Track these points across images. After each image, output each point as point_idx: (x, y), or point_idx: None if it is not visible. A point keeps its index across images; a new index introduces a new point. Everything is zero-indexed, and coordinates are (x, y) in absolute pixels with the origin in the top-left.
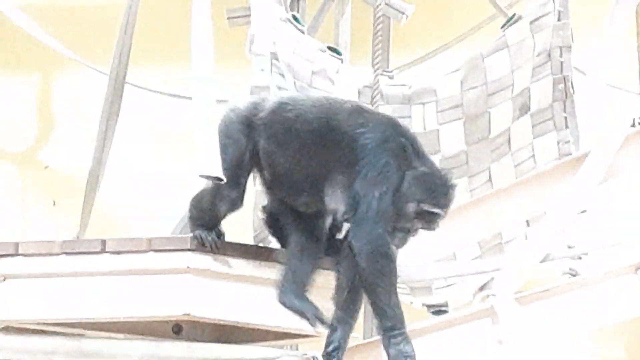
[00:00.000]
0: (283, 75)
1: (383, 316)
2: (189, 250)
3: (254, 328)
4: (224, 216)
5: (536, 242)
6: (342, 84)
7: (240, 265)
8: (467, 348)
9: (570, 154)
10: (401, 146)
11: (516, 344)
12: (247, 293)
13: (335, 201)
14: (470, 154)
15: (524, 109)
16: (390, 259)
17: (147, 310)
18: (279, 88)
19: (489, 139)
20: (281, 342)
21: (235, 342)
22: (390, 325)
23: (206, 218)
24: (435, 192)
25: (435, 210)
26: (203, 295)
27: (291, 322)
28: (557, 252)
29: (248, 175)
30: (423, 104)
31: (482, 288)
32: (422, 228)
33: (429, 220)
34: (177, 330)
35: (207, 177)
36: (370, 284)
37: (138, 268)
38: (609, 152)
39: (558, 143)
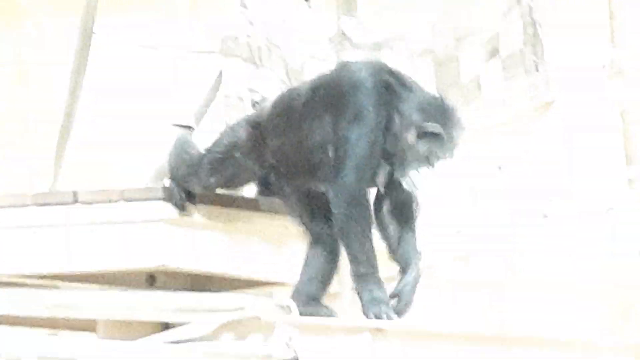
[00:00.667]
0: (252, 24)
1: (356, 262)
2: (161, 200)
3: (228, 277)
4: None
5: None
6: (312, 30)
7: (214, 215)
8: None
9: (540, 99)
10: (383, 84)
11: None
12: (221, 242)
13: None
14: None
15: (494, 53)
16: (363, 206)
17: (122, 261)
18: (249, 37)
19: (460, 84)
20: (255, 290)
21: (211, 291)
22: (364, 272)
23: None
24: (432, 112)
25: (436, 130)
26: (177, 246)
27: (265, 270)
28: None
29: (236, 172)
30: (393, 49)
31: None
32: (438, 157)
33: (437, 145)
34: (151, 280)
35: (179, 126)
36: (343, 230)
37: (111, 219)
38: (576, 95)
39: (528, 87)
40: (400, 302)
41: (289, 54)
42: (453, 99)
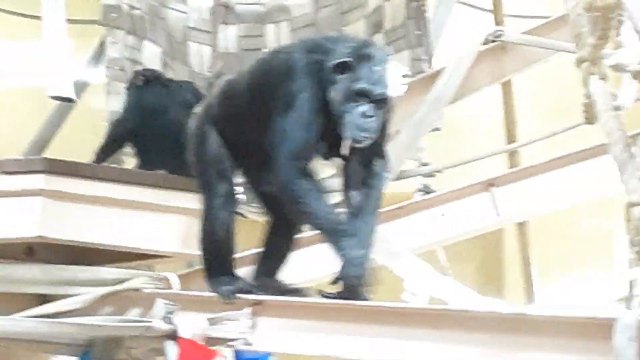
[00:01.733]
0: None
1: (323, 231)
2: (40, 172)
3: (108, 249)
4: (232, 217)
5: (390, 160)
6: (195, 3)
7: (94, 187)
8: (322, 266)
9: (424, 72)
10: (314, 63)
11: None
12: (101, 214)
13: None
14: None
15: (378, 27)
16: (301, 186)
17: None
18: (131, 7)
19: None
20: (136, 263)
21: (90, 264)
22: (333, 235)
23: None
24: (344, 52)
25: (343, 59)
26: (55, 217)
27: (145, 243)
28: (410, 170)
29: (232, 167)
30: (276, 22)
31: (336, 205)
32: (367, 92)
33: (356, 77)
34: (30, 252)
35: (58, 98)
36: (296, 214)
37: None
38: (462, 69)
39: (412, 61)
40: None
41: (171, 26)
42: None
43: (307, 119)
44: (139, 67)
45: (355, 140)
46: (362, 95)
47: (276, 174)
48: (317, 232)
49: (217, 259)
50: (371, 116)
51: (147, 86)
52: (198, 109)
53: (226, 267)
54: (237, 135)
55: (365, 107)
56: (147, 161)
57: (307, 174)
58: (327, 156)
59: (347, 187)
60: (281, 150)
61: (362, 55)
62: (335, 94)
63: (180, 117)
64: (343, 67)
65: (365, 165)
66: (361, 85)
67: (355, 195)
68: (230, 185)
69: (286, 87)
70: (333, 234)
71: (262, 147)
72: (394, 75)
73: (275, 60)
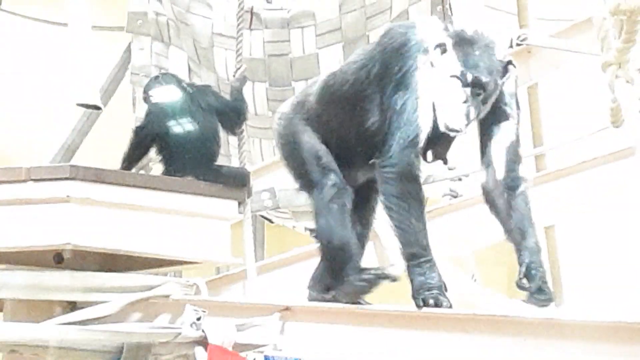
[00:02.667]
0: (160, 1)
1: (405, 243)
2: (68, 179)
3: (137, 256)
4: (346, 209)
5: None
6: (221, 9)
7: (121, 193)
8: None
9: None
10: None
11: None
12: (129, 221)
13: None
14: None
15: None
16: (414, 181)
17: (27, 240)
18: (157, 14)
19: None
20: (164, 269)
21: (119, 271)
22: (414, 253)
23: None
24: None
25: (463, 69)
26: (83, 224)
27: (173, 249)
28: (437, 174)
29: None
30: (302, 27)
31: None
32: (467, 68)
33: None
34: (59, 259)
35: (84, 106)
36: (391, 209)
37: (17, 198)
38: None
39: None
40: (534, 278)
41: (197, 32)
42: None
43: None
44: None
45: (447, 128)
46: (459, 79)
47: (386, 156)
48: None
49: (341, 257)
50: (465, 102)
51: (167, 92)
52: (283, 109)
53: (353, 265)
54: (335, 130)
55: (460, 92)
56: (172, 167)
57: (418, 171)
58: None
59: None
60: (395, 134)
61: (463, 38)
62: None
63: (204, 122)
64: (442, 49)
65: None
66: (458, 68)
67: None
68: (337, 176)
69: (399, 65)
70: (414, 257)
71: (363, 140)
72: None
73: (386, 39)
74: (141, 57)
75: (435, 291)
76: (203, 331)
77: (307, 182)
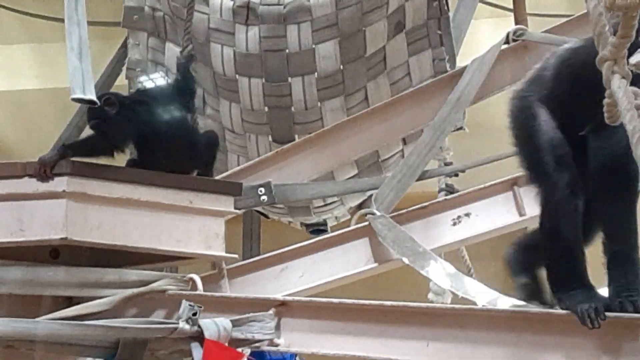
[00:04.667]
0: None
1: (610, 237)
2: (64, 174)
3: (133, 251)
4: (579, 214)
5: (412, 160)
6: (217, 4)
7: (117, 189)
8: (346, 267)
9: (446, 71)
10: None
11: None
12: (125, 217)
13: None
14: (346, 72)
15: (399, 27)
16: (629, 169)
17: (23, 235)
18: (153, 9)
19: (365, 58)
20: (160, 265)
21: (115, 266)
22: (617, 250)
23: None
24: None
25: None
26: (80, 219)
27: (169, 244)
28: (434, 170)
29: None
30: (298, 23)
31: (360, 207)
32: None
33: None
34: (55, 254)
35: (80, 101)
36: (600, 194)
37: (14, 193)
38: (484, 68)
39: (433, 61)
40: None
41: (193, 27)
42: (359, 73)
43: None
44: (160, 69)
45: None
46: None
47: (606, 134)
48: None
49: (565, 265)
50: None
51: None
52: (517, 86)
53: (577, 276)
54: (576, 114)
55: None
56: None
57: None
58: None
59: None
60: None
61: None
62: None
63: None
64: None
65: None
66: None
67: None
68: (573, 174)
69: None
70: (616, 254)
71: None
72: None
73: None
74: (137, 52)
75: (635, 295)
76: (199, 327)
77: (538, 174)
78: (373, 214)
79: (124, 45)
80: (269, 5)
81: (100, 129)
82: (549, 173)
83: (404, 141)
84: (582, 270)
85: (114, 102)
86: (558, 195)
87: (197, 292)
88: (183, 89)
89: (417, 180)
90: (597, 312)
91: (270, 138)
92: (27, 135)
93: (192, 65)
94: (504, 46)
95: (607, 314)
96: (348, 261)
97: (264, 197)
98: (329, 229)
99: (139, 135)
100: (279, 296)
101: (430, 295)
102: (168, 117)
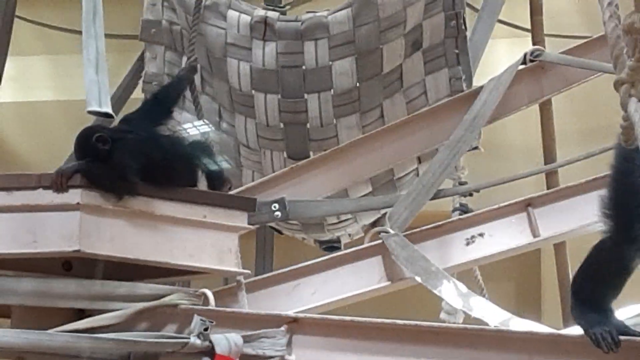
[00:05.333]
0: (174, 10)
1: None
2: (78, 187)
3: (146, 265)
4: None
5: (427, 179)
6: (234, 19)
7: (131, 202)
8: (359, 284)
9: (462, 91)
10: None
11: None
12: (139, 230)
13: None
14: (363, 90)
15: (416, 45)
16: None
17: (36, 247)
18: (170, 23)
19: (381, 76)
20: (173, 279)
21: (127, 279)
22: None
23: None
24: None
25: None
26: (93, 232)
27: (182, 259)
28: (448, 189)
29: None
30: (315, 39)
31: (373, 225)
32: None
33: None
34: (68, 267)
35: (96, 113)
36: None
37: (28, 204)
38: (501, 88)
39: (450, 80)
40: None
41: (210, 42)
42: (375, 90)
43: None
44: None
45: None
46: None
47: None
48: None
49: (589, 285)
50: None
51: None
52: None
53: (598, 299)
54: None
55: None
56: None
57: None
58: None
59: None
60: None
61: None
62: None
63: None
64: None
65: None
66: None
67: None
68: None
69: None
70: None
71: None
72: None
73: None
74: (154, 65)
75: None
76: (210, 342)
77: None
78: (387, 232)
79: (141, 59)
80: (286, 21)
81: (95, 169)
82: (627, 221)
83: (419, 160)
84: (606, 296)
85: (106, 138)
86: (627, 247)
87: (209, 307)
88: (164, 100)
89: (432, 199)
90: (607, 338)
91: (285, 154)
92: (42, 146)
93: (193, 76)
94: (521, 66)
95: (622, 337)
96: (361, 279)
97: (278, 213)
98: (342, 246)
99: (139, 164)
100: (291, 313)
101: (443, 315)
102: (157, 137)
